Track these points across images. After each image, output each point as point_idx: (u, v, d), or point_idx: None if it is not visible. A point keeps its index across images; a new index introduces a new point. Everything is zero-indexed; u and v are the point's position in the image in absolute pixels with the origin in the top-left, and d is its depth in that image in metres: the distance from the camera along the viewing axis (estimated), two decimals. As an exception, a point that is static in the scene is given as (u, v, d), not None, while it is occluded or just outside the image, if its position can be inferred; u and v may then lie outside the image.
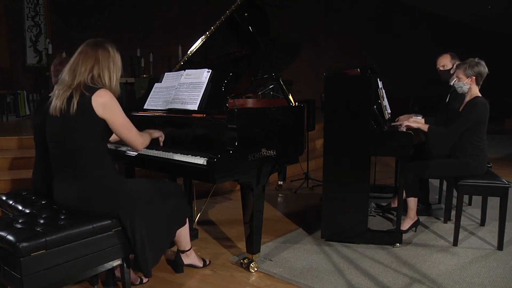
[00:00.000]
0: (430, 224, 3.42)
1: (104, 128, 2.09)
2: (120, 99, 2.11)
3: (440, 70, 3.53)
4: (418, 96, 10.80)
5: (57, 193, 2.15)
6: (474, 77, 2.97)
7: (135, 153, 2.60)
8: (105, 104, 2.03)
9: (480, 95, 3.01)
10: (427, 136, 3.17)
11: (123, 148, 2.70)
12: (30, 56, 7.51)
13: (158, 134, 2.54)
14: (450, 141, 3.05)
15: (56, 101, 2.05)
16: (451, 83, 3.12)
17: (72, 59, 2.11)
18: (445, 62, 3.51)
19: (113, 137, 2.53)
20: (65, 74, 2.09)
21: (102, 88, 2.06)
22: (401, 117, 3.54)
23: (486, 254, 2.83)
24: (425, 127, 3.04)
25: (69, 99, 2.02)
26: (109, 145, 2.72)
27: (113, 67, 2.11)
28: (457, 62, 3.42)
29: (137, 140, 2.21)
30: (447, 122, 3.10)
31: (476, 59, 3.00)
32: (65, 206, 2.14)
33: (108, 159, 2.15)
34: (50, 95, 2.24)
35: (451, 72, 3.46)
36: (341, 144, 2.92)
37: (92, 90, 2.03)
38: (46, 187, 2.47)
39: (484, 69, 2.97)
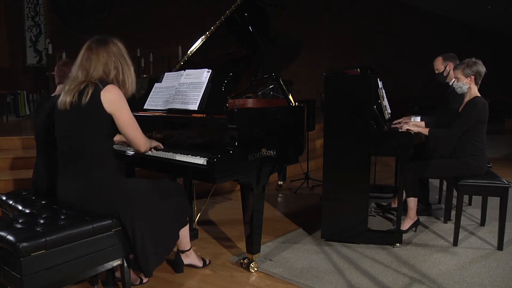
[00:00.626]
0: (430, 224, 3.42)
1: (111, 125, 2.09)
2: (129, 100, 2.13)
3: (436, 73, 3.55)
4: (418, 96, 10.80)
5: (60, 190, 2.16)
6: (473, 77, 2.97)
7: (135, 153, 2.60)
8: (112, 100, 2.04)
9: (479, 95, 3.01)
10: (428, 138, 3.17)
11: (123, 148, 2.70)
12: (30, 56, 7.50)
13: (156, 144, 2.53)
14: (451, 143, 3.05)
15: (66, 96, 2.06)
16: (450, 83, 3.13)
17: (80, 56, 2.12)
18: (438, 65, 3.54)
19: (119, 138, 2.52)
20: (76, 71, 2.10)
21: (112, 84, 2.07)
22: (400, 120, 3.55)
23: (486, 254, 2.83)
24: (425, 131, 3.03)
25: (81, 92, 2.03)
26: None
27: (128, 61, 2.15)
28: (450, 63, 3.43)
29: (141, 140, 2.22)
30: (447, 123, 3.10)
31: (473, 59, 3.00)
32: (67, 204, 2.14)
33: (111, 158, 2.15)
34: (53, 95, 2.24)
35: (445, 74, 3.47)
36: (341, 144, 2.92)
37: (104, 84, 2.05)
38: (46, 187, 2.47)
39: (482, 68, 2.98)
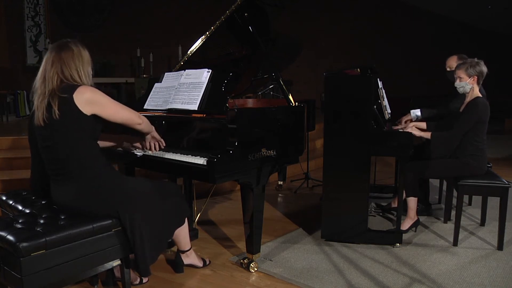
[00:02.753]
0: (430, 224, 3.42)
1: (94, 126, 2.07)
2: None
3: (447, 71, 3.55)
4: (418, 96, 10.79)
5: (54, 196, 2.15)
6: (476, 77, 2.97)
7: (135, 153, 2.60)
8: (89, 99, 2.00)
9: (480, 95, 3.01)
10: (430, 141, 3.16)
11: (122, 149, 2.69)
12: (30, 56, 7.49)
13: (158, 137, 2.50)
14: (453, 144, 3.03)
15: (38, 112, 2.02)
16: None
17: (41, 68, 2.08)
18: (451, 63, 3.53)
19: (125, 145, 2.49)
20: (37, 84, 2.06)
21: (80, 85, 2.02)
22: (402, 119, 3.54)
23: (486, 254, 2.83)
24: (427, 135, 3.02)
25: (48, 107, 1.99)
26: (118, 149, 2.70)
27: (79, 64, 2.07)
28: None
29: (133, 115, 2.19)
30: (447, 122, 3.09)
31: (476, 59, 3.00)
32: (64, 207, 2.13)
33: (101, 158, 2.13)
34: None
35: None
36: (341, 144, 2.92)
37: (70, 90, 1.99)
38: (44, 188, 2.46)
39: (484, 68, 2.98)
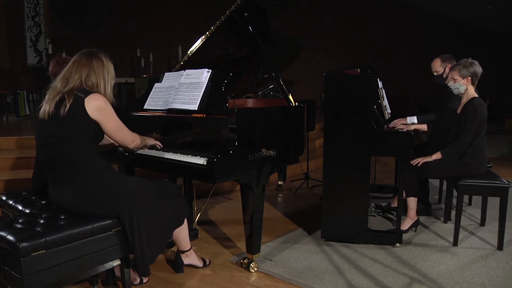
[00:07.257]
0: (430, 224, 3.42)
1: (96, 132, 2.10)
2: (112, 105, 2.15)
3: (434, 75, 3.55)
4: (418, 96, 10.79)
5: (53, 198, 2.16)
6: (470, 78, 2.96)
7: (135, 153, 2.60)
8: (99, 107, 2.05)
9: (476, 95, 3.00)
10: (429, 139, 3.15)
11: (123, 149, 2.69)
12: (30, 56, 7.49)
13: (153, 142, 2.56)
14: (464, 150, 3.01)
15: (46, 105, 2.06)
16: (448, 84, 3.12)
17: (66, 68, 2.14)
18: (436, 67, 3.53)
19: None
20: (57, 82, 2.11)
21: (96, 92, 2.08)
22: (396, 121, 3.52)
23: (486, 254, 2.83)
24: (438, 156, 3.02)
25: (59, 102, 2.03)
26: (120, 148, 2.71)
27: (107, 76, 2.16)
28: (449, 64, 3.42)
29: (128, 139, 2.27)
30: (445, 123, 3.09)
31: (470, 59, 2.99)
32: (63, 208, 2.14)
33: (100, 160, 2.14)
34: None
35: (444, 75, 3.47)
36: (341, 144, 2.92)
37: (86, 93, 2.05)
38: (45, 186, 2.47)
39: (478, 68, 2.97)
